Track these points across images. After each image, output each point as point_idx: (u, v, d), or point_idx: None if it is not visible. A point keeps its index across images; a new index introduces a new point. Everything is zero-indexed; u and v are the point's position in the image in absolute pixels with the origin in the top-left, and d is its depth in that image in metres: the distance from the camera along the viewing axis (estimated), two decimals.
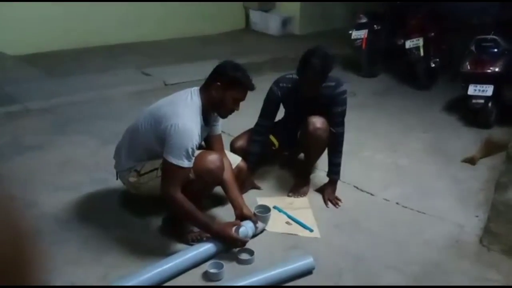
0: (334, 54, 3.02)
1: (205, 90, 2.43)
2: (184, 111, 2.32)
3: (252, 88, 2.44)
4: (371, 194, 3.15)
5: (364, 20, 5.52)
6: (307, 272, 2.34)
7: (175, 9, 6.47)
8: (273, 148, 3.18)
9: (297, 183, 3.13)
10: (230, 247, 2.46)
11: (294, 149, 3.31)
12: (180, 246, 2.49)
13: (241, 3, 7.35)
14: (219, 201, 2.84)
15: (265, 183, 3.17)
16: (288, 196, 3.05)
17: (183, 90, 2.49)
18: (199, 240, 2.49)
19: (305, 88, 2.84)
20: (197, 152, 2.36)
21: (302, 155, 3.23)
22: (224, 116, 2.53)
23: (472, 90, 4.19)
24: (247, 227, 2.51)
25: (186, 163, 2.26)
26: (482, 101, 4.16)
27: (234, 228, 2.44)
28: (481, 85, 4.16)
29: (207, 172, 2.36)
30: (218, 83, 2.39)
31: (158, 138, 2.35)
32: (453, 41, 5.47)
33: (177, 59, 5.61)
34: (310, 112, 2.91)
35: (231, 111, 2.48)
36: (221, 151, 2.62)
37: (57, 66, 5.10)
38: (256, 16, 7.36)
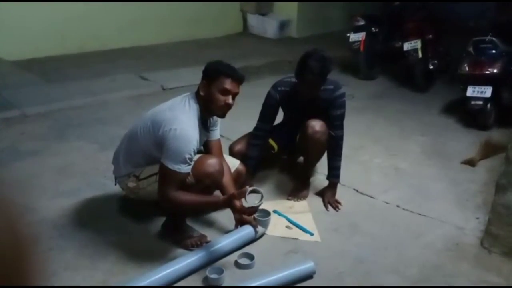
0: (332, 57, 3.01)
1: (197, 93, 2.44)
2: (182, 116, 2.31)
3: (235, 74, 2.37)
4: (371, 197, 3.14)
5: (361, 23, 5.52)
6: (308, 276, 2.33)
7: (173, 14, 6.46)
8: (273, 151, 3.17)
9: (297, 186, 3.13)
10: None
11: (294, 152, 3.31)
12: (179, 251, 2.48)
13: (238, 6, 7.36)
14: None
15: (265, 187, 3.15)
16: (288, 199, 3.04)
17: (180, 96, 2.48)
18: (199, 245, 2.48)
19: (304, 91, 2.83)
20: (196, 156, 2.36)
21: (301, 158, 3.22)
22: (219, 113, 2.45)
23: (470, 91, 4.19)
24: (256, 198, 2.37)
25: (183, 169, 2.25)
26: (481, 102, 4.16)
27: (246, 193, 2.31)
28: (480, 87, 4.16)
29: (206, 176, 2.35)
30: (204, 81, 2.40)
31: (157, 143, 2.34)
32: (450, 43, 5.48)
33: (175, 64, 5.61)
34: (309, 116, 2.91)
35: (225, 107, 2.39)
36: (220, 156, 2.60)
37: (55, 71, 5.08)
38: (253, 20, 7.36)
